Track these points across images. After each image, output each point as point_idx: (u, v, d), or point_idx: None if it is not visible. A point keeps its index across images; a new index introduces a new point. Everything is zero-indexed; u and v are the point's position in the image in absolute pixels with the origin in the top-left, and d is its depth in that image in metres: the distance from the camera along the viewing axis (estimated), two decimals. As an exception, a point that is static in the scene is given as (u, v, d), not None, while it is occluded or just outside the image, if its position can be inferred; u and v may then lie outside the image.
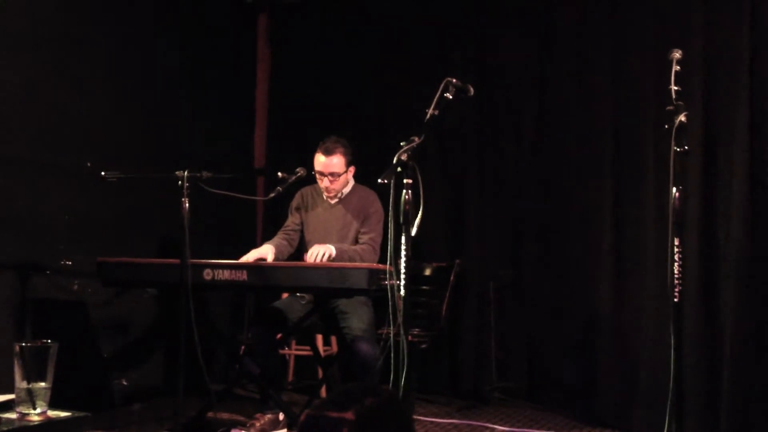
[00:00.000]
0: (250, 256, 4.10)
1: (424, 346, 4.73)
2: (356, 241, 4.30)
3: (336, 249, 4.05)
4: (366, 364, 4.00)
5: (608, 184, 4.65)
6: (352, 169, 4.35)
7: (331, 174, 4.25)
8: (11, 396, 3.78)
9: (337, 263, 3.94)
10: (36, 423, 3.69)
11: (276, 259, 4.20)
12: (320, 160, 4.26)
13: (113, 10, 4.87)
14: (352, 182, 4.42)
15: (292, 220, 4.49)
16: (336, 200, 4.37)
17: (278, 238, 4.42)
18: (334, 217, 4.35)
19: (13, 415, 3.72)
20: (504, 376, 5.17)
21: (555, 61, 5.06)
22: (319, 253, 3.99)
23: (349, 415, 1.58)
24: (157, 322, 5.12)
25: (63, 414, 3.86)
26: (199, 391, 4.25)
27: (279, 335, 4.35)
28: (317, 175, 4.29)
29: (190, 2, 5.52)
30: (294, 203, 4.52)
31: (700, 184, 4.16)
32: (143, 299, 4.96)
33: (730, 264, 4.05)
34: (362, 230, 4.30)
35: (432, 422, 4.55)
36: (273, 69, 6.22)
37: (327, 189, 4.31)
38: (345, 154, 4.27)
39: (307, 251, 4.30)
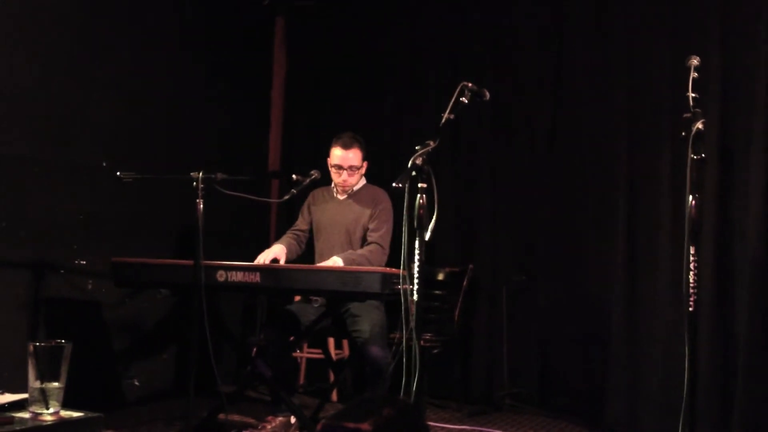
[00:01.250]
0: (265, 256, 4.10)
1: (436, 351, 4.72)
2: (364, 237, 4.30)
3: (343, 261, 4.03)
4: (376, 369, 4.00)
5: (622, 191, 4.62)
6: (365, 164, 4.37)
7: (350, 167, 4.27)
8: (24, 395, 3.79)
9: (350, 266, 3.94)
10: (49, 423, 3.69)
11: (286, 258, 4.21)
12: (338, 154, 4.27)
13: (130, 11, 4.89)
14: (363, 180, 4.43)
15: (302, 221, 4.51)
16: (345, 196, 4.37)
17: (287, 237, 4.43)
18: (343, 212, 4.35)
19: (26, 415, 3.73)
20: (515, 382, 5.15)
21: (570, 66, 5.04)
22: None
23: (366, 426, 1.57)
24: (169, 323, 5.13)
25: (76, 414, 3.86)
26: (210, 392, 4.26)
27: (291, 338, 4.35)
28: (334, 170, 4.30)
29: (207, 4, 5.53)
30: (306, 204, 4.54)
31: (716, 192, 4.14)
32: (156, 300, 4.96)
33: (745, 272, 4.02)
34: (370, 227, 4.29)
35: (443, 428, 4.55)
36: (289, 71, 6.23)
37: (344, 183, 4.32)
38: (362, 149, 4.31)
39: (315, 252, 4.31)
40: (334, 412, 1.74)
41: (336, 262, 3.99)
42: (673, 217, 4.30)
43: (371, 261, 4.12)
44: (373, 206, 4.31)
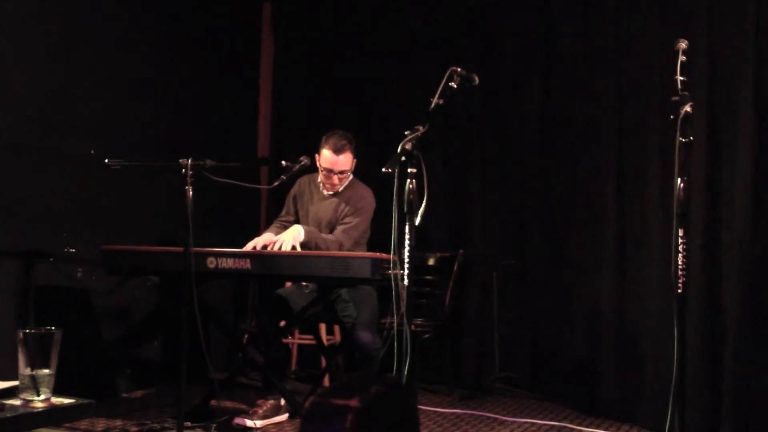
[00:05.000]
0: (254, 244, 4.10)
1: (427, 335, 4.74)
2: None
3: (306, 233, 4.03)
4: (366, 353, 4.02)
5: (612, 175, 4.63)
6: (354, 162, 4.35)
7: (341, 172, 4.25)
8: (15, 382, 3.80)
9: (341, 252, 3.94)
10: (40, 409, 3.71)
11: None
12: (329, 158, 4.24)
13: (117, -2, 4.88)
14: (350, 176, 4.41)
15: (287, 210, 4.51)
16: (331, 193, 4.36)
17: (275, 227, 4.43)
18: (326, 208, 4.35)
19: (17, 402, 3.74)
20: (507, 367, 5.18)
21: (559, 51, 5.04)
22: (286, 239, 3.98)
23: (354, 403, 1.58)
24: (160, 310, 5.13)
25: (67, 401, 3.88)
26: (202, 379, 4.27)
27: (282, 323, 4.35)
28: (323, 171, 4.28)
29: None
30: (291, 193, 4.53)
31: (704, 174, 4.15)
32: (146, 287, 4.97)
33: (733, 254, 4.04)
34: (342, 221, 4.29)
35: (434, 412, 4.56)
36: (277, 57, 6.21)
37: (333, 185, 4.31)
38: (352, 151, 4.29)
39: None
40: (323, 389, 1.75)
41: (299, 231, 4.01)
42: (662, 200, 4.31)
43: (329, 249, 4.10)
44: (353, 205, 4.31)
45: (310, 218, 4.37)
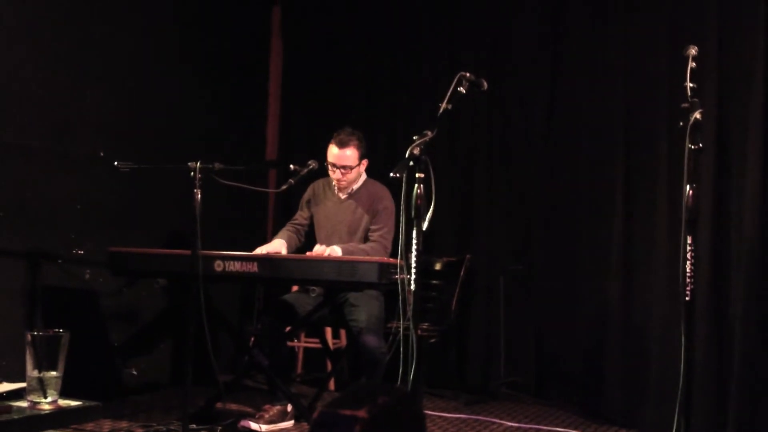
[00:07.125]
0: (263, 250, 4.10)
1: (433, 340, 4.73)
2: (365, 237, 4.28)
3: (342, 250, 4.02)
4: (372, 358, 4.00)
5: (619, 180, 4.63)
6: (364, 162, 4.32)
7: (344, 167, 4.22)
8: (22, 384, 3.81)
9: (347, 256, 3.94)
10: (47, 411, 3.72)
11: (287, 251, 4.20)
12: (333, 152, 4.22)
13: (127, 1, 4.87)
14: (364, 176, 4.39)
15: (301, 214, 4.48)
16: (346, 195, 4.35)
17: (286, 230, 4.41)
18: (344, 212, 4.33)
19: (24, 404, 3.75)
20: (512, 372, 5.17)
21: (567, 55, 5.04)
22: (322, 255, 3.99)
23: (362, 413, 1.59)
24: (167, 313, 5.14)
25: (74, 403, 3.89)
26: (207, 381, 4.27)
27: (288, 327, 4.35)
28: (329, 167, 4.26)
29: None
30: (305, 196, 4.51)
31: (713, 182, 4.14)
32: (154, 289, 4.98)
33: (741, 262, 4.03)
34: (372, 227, 4.26)
35: (440, 416, 4.56)
36: (286, 61, 6.22)
37: (338, 181, 4.28)
38: (359, 147, 4.24)
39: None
40: (331, 400, 1.76)
41: (335, 250, 3.99)
42: (670, 207, 4.31)
43: (371, 256, 4.10)
44: (374, 206, 4.28)
45: (326, 222, 4.36)
